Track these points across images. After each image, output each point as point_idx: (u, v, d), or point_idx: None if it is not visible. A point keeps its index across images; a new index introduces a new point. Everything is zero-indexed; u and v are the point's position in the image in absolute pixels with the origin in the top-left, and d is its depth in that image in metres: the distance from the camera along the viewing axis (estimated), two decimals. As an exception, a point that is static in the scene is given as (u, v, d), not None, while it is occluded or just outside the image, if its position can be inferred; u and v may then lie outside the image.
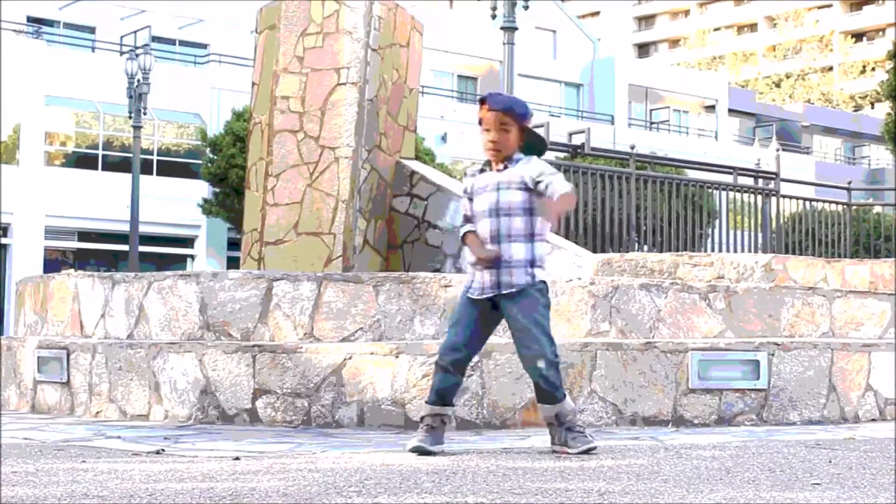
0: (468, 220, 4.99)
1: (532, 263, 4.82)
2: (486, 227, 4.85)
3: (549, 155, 13.39)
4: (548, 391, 4.84)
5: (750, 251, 14.14)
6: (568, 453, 4.81)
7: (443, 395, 4.91)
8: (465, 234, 4.97)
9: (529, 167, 4.84)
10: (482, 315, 4.90)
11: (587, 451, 4.80)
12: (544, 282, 4.88)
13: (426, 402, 4.97)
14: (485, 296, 4.85)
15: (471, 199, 4.97)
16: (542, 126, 12.30)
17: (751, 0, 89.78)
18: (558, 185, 4.72)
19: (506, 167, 4.87)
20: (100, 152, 32.08)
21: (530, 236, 4.83)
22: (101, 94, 31.54)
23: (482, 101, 4.91)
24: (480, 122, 4.90)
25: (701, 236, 14.30)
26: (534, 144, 4.93)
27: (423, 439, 4.84)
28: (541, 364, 4.78)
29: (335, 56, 8.36)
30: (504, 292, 4.81)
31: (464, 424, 6.02)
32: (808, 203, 15.83)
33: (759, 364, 6.49)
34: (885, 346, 7.01)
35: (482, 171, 4.97)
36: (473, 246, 4.87)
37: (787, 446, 5.26)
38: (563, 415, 4.88)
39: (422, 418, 4.98)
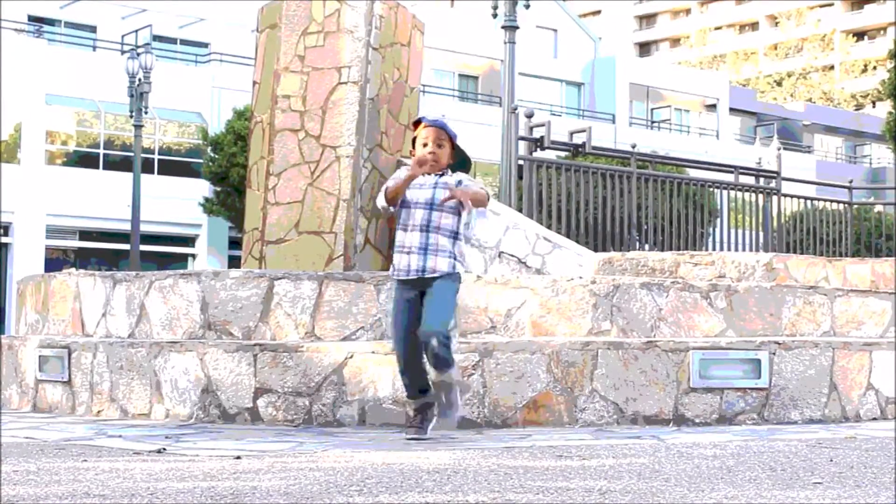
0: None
1: (455, 256, 5.42)
2: (419, 216, 5.41)
3: (551, 154, 13.40)
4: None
5: (751, 250, 14.13)
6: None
7: (408, 387, 5.56)
8: (382, 192, 5.52)
9: (457, 175, 5.53)
10: (414, 304, 5.39)
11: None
12: (459, 273, 5.49)
13: (408, 396, 5.61)
14: (409, 277, 5.38)
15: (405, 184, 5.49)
16: (542, 126, 12.31)
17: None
18: (472, 185, 5.46)
19: (441, 175, 5.51)
20: (101, 151, 32.08)
21: (455, 234, 5.44)
22: (103, 93, 31.54)
23: (417, 123, 5.57)
24: (414, 141, 5.54)
25: (702, 235, 14.29)
26: (463, 160, 5.59)
27: (417, 429, 5.47)
28: (433, 342, 5.25)
29: (336, 55, 8.36)
30: (427, 276, 5.36)
31: (465, 423, 6.02)
32: (809, 202, 15.82)
33: (760, 363, 6.49)
34: (886, 345, 7.00)
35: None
36: (412, 166, 5.42)
37: (788, 445, 5.26)
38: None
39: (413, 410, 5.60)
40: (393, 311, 5.55)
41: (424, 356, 5.38)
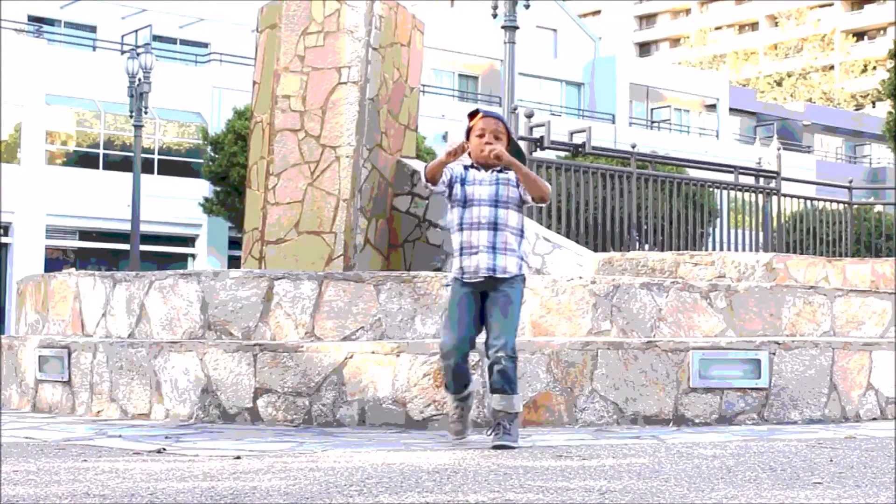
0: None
1: (522, 257, 5.23)
2: (486, 213, 5.15)
3: (551, 154, 13.40)
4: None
5: (751, 250, 14.14)
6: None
7: (457, 385, 5.26)
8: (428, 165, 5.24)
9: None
10: (476, 304, 5.16)
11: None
12: (525, 276, 5.30)
13: (450, 392, 5.29)
14: (478, 278, 5.13)
15: (461, 184, 5.23)
16: (542, 125, 12.31)
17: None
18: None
19: (500, 170, 5.24)
20: (101, 151, 32.08)
21: (521, 231, 5.25)
22: (102, 93, 31.54)
23: (474, 114, 5.26)
24: (469, 132, 5.23)
25: (702, 235, 14.30)
26: (517, 155, 5.30)
27: (457, 430, 5.35)
28: (506, 359, 5.06)
29: (336, 55, 8.36)
30: (499, 276, 5.12)
31: (465, 423, 6.02)
32: (809, 202, 15.83)
33: (760, 363, 6.49)
34: (886, 345, 7.00)
35: (468, 166, 5.29)
36: (448, 152, 5.13)
37: (788, 445, 5.26)
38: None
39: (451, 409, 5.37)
40: (453, 310, 5.19)
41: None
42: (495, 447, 5.01)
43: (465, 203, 5.18)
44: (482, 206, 5.16)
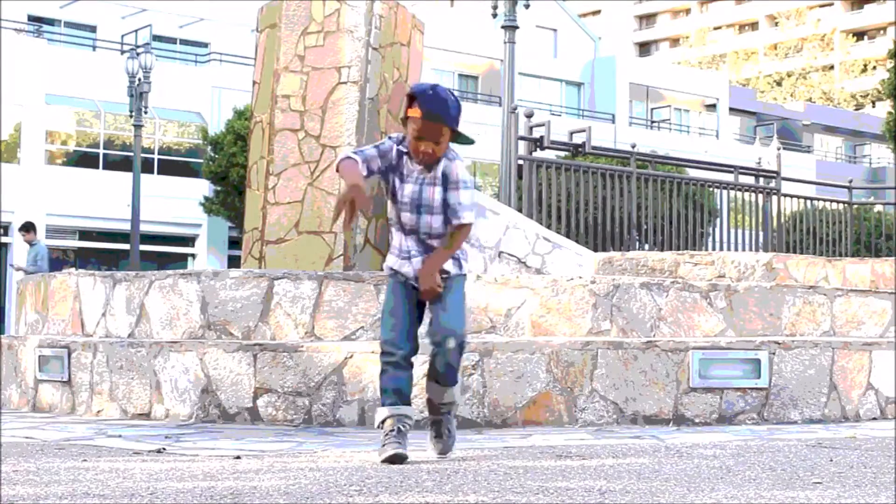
0: (361, 152, 4.61)
1: (458, 256, 4.67)
2: (410, 220, 4.64)
3: (551, 154, 13.40)
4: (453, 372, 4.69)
5: (751, 250, 14.14)
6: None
7: (401, 392, 4.63)
8: (343, 159, 4.56)
9: (452, 166, 4.63)
10: (413, 299, 4.67)
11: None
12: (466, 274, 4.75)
13: (386, 406, 4.60)
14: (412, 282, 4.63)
15: (392, 172, 4.64)
16: (542, 125, 12.31)
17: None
18: (463, 212, 4.60)
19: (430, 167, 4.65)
20: (101, 151, 32.09)
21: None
22: (102, 93, 31.55)
23: (413, 98, 4.53)
24: (406, 120, 4.55)
25: (702, 235, 14.30)
26: (463, 138, 4.69)
27: (396, 445, 4.52)
28: (451, 343, 4.61)
29: (336, 55, 8.36)
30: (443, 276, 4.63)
31: (465, 423, 6.02)
32: (809, 202, 15.83)
33: (760, 363, 6.49)
34: (886, 345, 7.00)
35: (403, 152, 4.63)
36: (348, 175, 4.48)
37: (788, 445, 5.25)
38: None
39: (384, 422, 4.59)
40: (390, 302, 4.67)
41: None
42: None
43: (394, 200, 4.66)
44: (404, 210, 4.63)
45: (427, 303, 4.69)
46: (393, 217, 4.72)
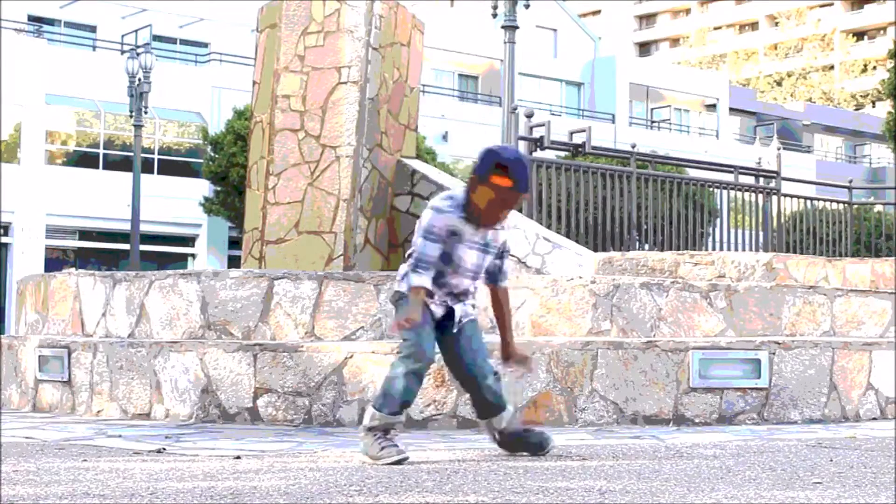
0: (431, 263, 4.54)
1: (474, 305, 4.78)
2: (461, 282, 4.65)
3: (551, 154, 13.41)
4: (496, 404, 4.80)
5: (751, 250, 14.14)
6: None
7: (408, 404, 4.65)
8: (416, 287, 4.53)
9: (507, 235, 4.74)
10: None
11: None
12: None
13: (387, 413, 4.54)
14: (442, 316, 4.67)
15: (452, 235, 4.58)
16: (542, 125, 12.31)
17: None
18: (506, 274, 4.78)
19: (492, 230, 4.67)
20: (101, 151, 32.09)
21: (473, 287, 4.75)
22: (102, 93, 31.55)
23: (503, 167, 4.46)
24: (483, 184, 4.49)
25: (702, 235, 14.30)
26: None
27: (399, 450, 4.51)
28: (491, 379, 4.75)
29: (336, 55, 8.36)
30: (465, 320, 4.71)
31: (465, 423, 6.02)
32: (809, 202, 15.83)
33: (760, 363, 6.49)
34: (886, 345, 7.00)
35: (462, 216, 4.59)
36: (414, 306, 4.50)
37: (788, 445, 5.26)
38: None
39: (372, 428, 4.56)
40: (419, 327, 4.55)
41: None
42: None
43: (448, 261, 4.59)
44: (456, 272, 4.61)
45: (459, 344, 4.70)
46: (431, 262, 4.56)
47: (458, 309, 4.71)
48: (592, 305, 6.74)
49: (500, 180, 4.46)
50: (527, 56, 41.41)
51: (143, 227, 28.23)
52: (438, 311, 4.67)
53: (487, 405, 4.80)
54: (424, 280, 4.53)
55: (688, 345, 6.43)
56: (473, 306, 4.79)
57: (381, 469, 4.28)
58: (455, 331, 4.71)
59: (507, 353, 4.84)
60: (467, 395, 6.04)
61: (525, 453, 4.80)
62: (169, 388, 6.53)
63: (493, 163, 4.48)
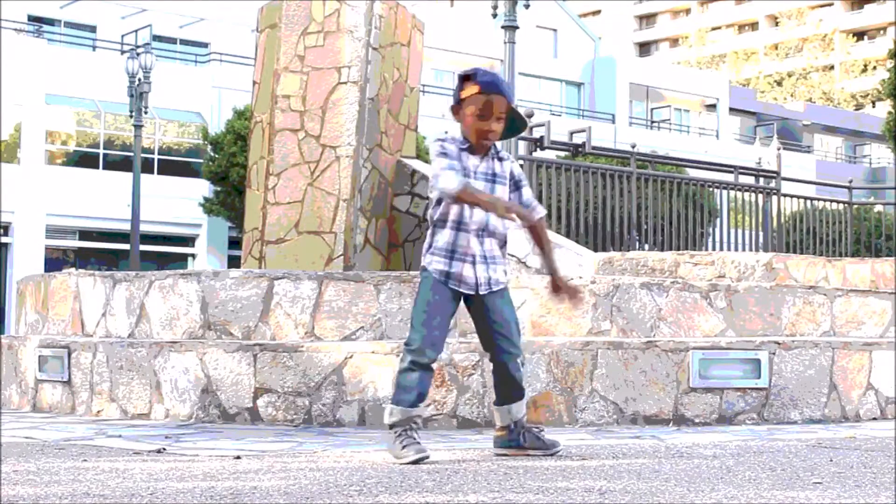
0: (455, 169, 4.48)
1: (505, 266, 4.69)
2: (478, 216, 4.55)
3: (551, 154, 13.40)
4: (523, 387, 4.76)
5: (751, 250, 14.14)
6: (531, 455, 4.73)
7: (424, 396, 4.60)
8: (462, 191, 4.44)
9: (513, 165, 4.70)
10: (454, 310, 4.63)
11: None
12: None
13: (406, 406, 4.53)
14: (472, 292, 4.56)
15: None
16: (542, 125, 12.31)
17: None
18: (537, 204, 4.71)
19: (493, 156, 4.65)
20: (101, 151, 32.10)
21: (504, 236, 4.70)
22: (102, 93, 31.56)
23: (466, 77, 4.55)
24: (459, 107, 4.55)
25: (702, 235, 14.30)
26: (515, 123, 4.69)
27: (420, 448, 4.46)
28: (521, 358, 4.70)
29: (336, 55, 8.36)
30: (494, 289, 4.62)
31: (465, 423, 6.02)
32: (809, 202, 15.83)
33: (760, 363, 6.49)
34: (886, 345, 7.00)
35: (463, 148, 4.59)
36: (481, 194, 4.45)
37: (788, 445, 5.26)
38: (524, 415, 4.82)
39: (393, 424, 4.55)
40: (433, 302, 4.52)
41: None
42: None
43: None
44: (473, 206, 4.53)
45: (490, 315, 4.59)
46: (445, 214, 4.58)
47: (482, 274, 4.56)
48: (592, 305, 6.74)
49: (468, 89, 4.52)
50: (527, 56, 41.45)
51: (143, 227, 28.24)
52: (472, 277, 4.54)
53: (511, 385, 4.67)
54: (459, 177, 4.44)
55: (688, 345, 6.43)
56: (505, 272, 4.64)
57: (381, 469, 4.28)
58: (484, 301, 4.58)
59: (556, 285, 4.67)
60: (467, 395, 6.06)
61: (535, 452, 4.75)
62: (169, 389, 6.53)
63: (459, 81, 4.56)
